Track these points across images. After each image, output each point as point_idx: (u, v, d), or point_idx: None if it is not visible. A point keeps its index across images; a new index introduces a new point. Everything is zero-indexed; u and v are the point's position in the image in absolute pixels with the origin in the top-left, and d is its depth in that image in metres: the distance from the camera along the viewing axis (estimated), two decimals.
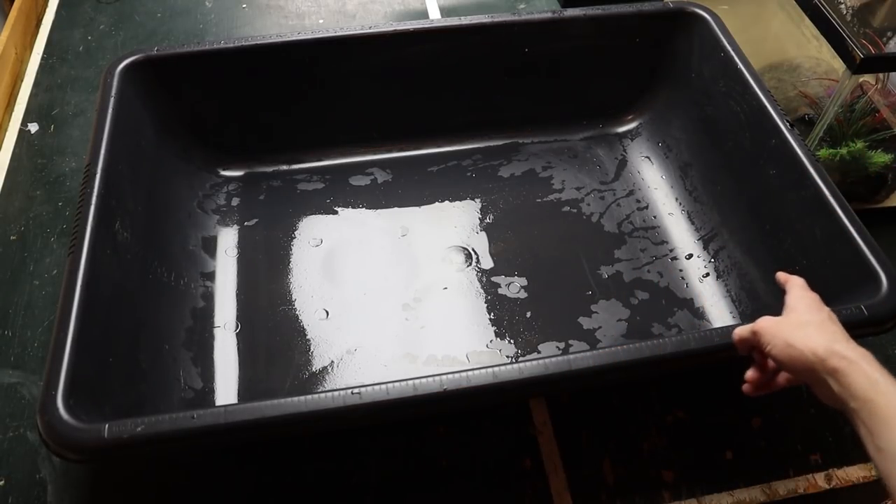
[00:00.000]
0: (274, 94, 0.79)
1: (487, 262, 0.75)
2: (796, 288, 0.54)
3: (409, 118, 0.84)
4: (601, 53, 0.83)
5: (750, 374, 0.53)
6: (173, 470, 0.61)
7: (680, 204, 0.80)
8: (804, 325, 0.50)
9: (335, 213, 0.79)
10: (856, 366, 0.45)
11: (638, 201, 0.81)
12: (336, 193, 0.81)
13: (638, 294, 0.73)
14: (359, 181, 0.82)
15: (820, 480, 0.62)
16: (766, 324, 0.51)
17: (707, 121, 0.79)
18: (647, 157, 0.85)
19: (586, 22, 0.80)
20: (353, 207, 0.80)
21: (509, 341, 0.69)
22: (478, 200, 0.81)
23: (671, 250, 0.77)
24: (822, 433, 0.64)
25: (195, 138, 0.79)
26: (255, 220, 0.78)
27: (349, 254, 0.76)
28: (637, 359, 0.53)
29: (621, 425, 0.64)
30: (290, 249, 0.76)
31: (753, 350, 0.52)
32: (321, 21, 1.04)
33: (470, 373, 0.51)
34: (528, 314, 0.71)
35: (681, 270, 0.75)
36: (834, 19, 0.71)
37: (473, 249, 0.76)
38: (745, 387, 0.54)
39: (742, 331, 0.52)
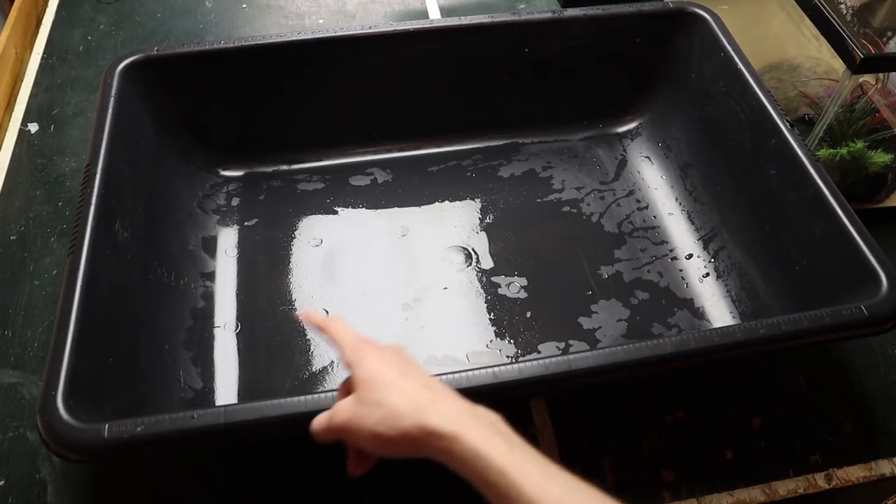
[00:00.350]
0: (274, 94, 0.79)
1: (487, 262, 0.75)
2: (347, 342, 0.46)
3: (409, 118, 0.84)
4: (601, 53, 0.83)
5: (351, 466, 0.46)
6: (173, 470, 0.61)
7: (680, 204, 0.80)
8: (380, 402, 0.41)
9: (335, 213, 0.79)
10: (457, 445, 0.39)
11: (638, 201, 0.81)
12: (336, 193, 0.81)
13: (638, 294, 0.73)
14: (359, 181, 0.82)
15: (820, 480, 0.62)
16: (342, 417, 0.43)
17: (707, 121, 0.79)
18: (647, 157, 0.85)
19: (586, 22, 0.80)
20: (353, 207, 0.80)
21: (509, 341, 0.69)
22: (478, 200, 0.81)
23: (671, 250, 0.77)
24: (822, 433, 0.64)
25: (195, 138, 0.79)
26: (255, 220, 0.78)
27: (349, 254, 0.76)
28: (637, 359, 0.52)
29: (621, 425, 0.64)
30: (290, 249, 0.76)
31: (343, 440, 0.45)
32: (321, 21, 1.04)
33: (470, 373, 0.51)
34: (528, 314, 0.71)
35: (681, 270, 0.75)
36: (834, 19, 0.71)
37: (473, 249, 0.76)
38: (350, 471, 0.46)
39: (319, 429, 0.44)
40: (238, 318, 0.70)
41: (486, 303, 0.72)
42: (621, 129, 0.88)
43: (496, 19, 0.79)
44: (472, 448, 0.39)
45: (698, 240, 0.77)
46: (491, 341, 0.69)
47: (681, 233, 0.78)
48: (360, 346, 0.46)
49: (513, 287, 0.73)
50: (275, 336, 0.68)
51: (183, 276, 0.70)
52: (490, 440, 0.39)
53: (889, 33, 0.73)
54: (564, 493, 0.37)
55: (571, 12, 0.80)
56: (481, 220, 0.79)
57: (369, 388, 0.43)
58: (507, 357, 0.68)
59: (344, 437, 0.44)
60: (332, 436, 0.44)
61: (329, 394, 0.50)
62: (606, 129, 0.88)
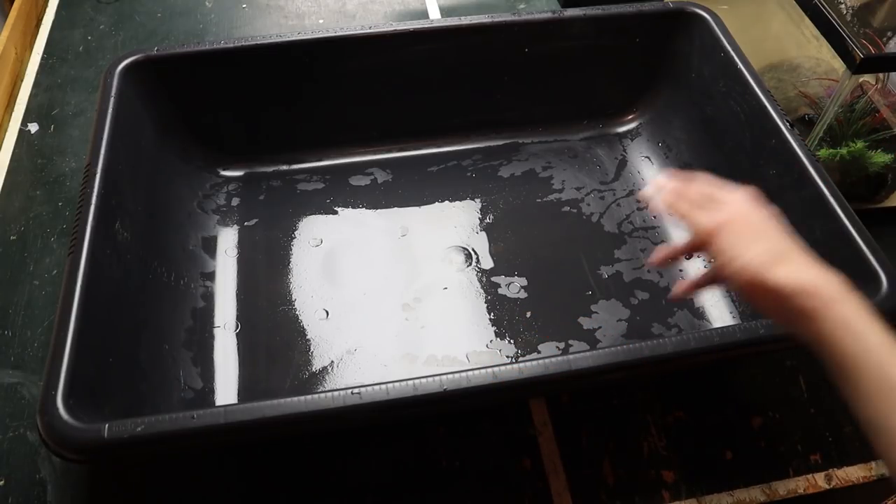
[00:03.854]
0: (274, 93, 0.79)
1: (487, 262, 0.75)
2: (717, 185, 0.46)
3: (409, 118, 0.84)
4: (601, 53, 0.83)
5: (680, 289, 0.48)
6: (173, 470, 0.61)
7: None
8: (769, 242, 0.42)
9: (335, 213, 0.79)
10: (831, 309, 0.37)
11: (638, 201, 0.81)
12: (336, 193, 0.81)
13: (638, 294, 0.73)
14: (359, 181, 0.82)
15: (820, 480, 0.62)
16: (714, 221, 0.43)
17: (707, 121, 0.79)
18: (647, 157, 0.85)
19: (586, 22, 0.80)
20: (353, 207, 0.80)
21: (509, 341, 0.69)
22: (478, 200, 0.81)
23: None
24: (822, 433, 0.64)
25: (195, 138, 0.79)
26: (255, 220, 0.78)
27: (349, 254, 0.76)
28: (637, 359, 0.52)
29: (621, 425, 0.64)
30: (290, 249, 0.76)
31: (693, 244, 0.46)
32: (321, 21, 1.04)
33: (470, 373, 0.51)
34: (528, 314, 0.71)
35: (681, 270, 0.75)
36: (834, 19, 0.71)
37: (473, 249, 0.76)
38: (653, 259, 0.48)
39: (689, 218, 0.45)
40: (238, 318, 0.70)
41: (486, 303, 0.72)
42: (621, 129, 0.88)
43: (496, 19, 0.79)
44: (851, 321, 0.37)
45: None
46: (491, 341, 0.69)
47: (681, 233, 0.78)
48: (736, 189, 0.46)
49: (513, 287, 0.73)
50: (275, 336, 0.68)
51: (183, 276, 0.70)
52: (867, 322, 0.37)
53: (889, 33, 0.73)
54: None
55: (571, 12, 0.80)
56: (481, 220, 0.79)
57: (746, 224, 0.43)
58: (507, 357, 0.68)
59: (709, 248, 0.43)
60: (683, 213, 0.45)
61: (329, 393, 0.50)
62: (606, 129, 0.88)
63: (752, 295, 0.42)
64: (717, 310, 0.71)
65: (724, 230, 0.44)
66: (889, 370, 0.35)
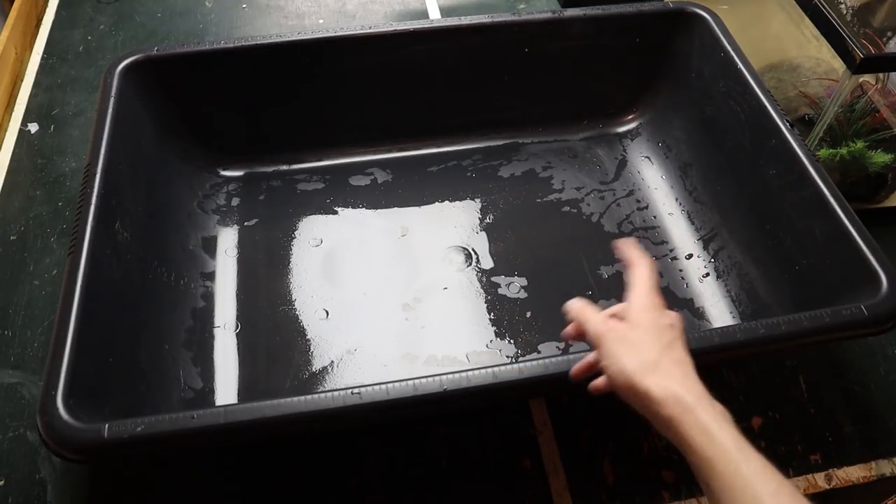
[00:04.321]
0: (274, 93, 0.79)
1: (487, 262, 0.75)
2: (641, 286, 0.49)
3: (409, 118, 0.84)
4: (601, 53, 0.83)
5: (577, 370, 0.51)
6: (173, 470, 0.61)
7: (680, 204, 0.80)
8: (645, 353, 0.45)
9: (335, 213, 0.79)
10: (691, 415, 0.42)
11: (638, 201, 0.81)
12: (336, 193, 0.81)
13: None
14: (359, 181, 0.82)
15: (820, 480, 0.62)
16: (608, 335, 0.47)
17: (707, 121, 0.79)
18: (647, 157, 0.85)
19: (586, 22, 0.80)
20: (353, 207, 0.80)
21: (509, 341, 0.69)
22: (478, 200, 0.81)
23: (671, 250, 0.77)
24: (822, 433, 0.64)
25: (195, 138, 0.79)
26: (255, 220, 0.78)
27: (349, 254, 0.76)
28: None
29: (621, 425, 0.64)
30: (290, 249, 0.76)
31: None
32: (321, 21, 1.04)
33: (470, 373, 0.51)
34: (528, 314, 0.71)
35: (681, 270, 0.75)
36: (834, 19, 0.71)
37: (473, 249, 0.76)
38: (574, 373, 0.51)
39: (578, 307, 0.50)
40: (238, 318, 0.70)
41: (486, 303, 0.72)
42: (621, 129, 0.88)
43: (496, 19, 0.79)
44: (705, 423, 0.41)
45: (698, 240, 0.77)
46: (491, 341, 0.69)
47: (681, 233, 0.78)
48: (653, 297, 0.49)
49: (513, 287, 0.73)
50: (275, 336, 0.68)
51: (183, 276, 0.70)
52: (722, 427, 0.42)
53: (889, 33, 0.73)
54: (779, 488, 0.40)
55: (571, 12, 0.80)
56: (481, 220, 0.79)
57: (639, 334, 0.46)
58: (507, 357, 0.68)
59: (595, 348, 0.48)
60: (579, 330, 0.50)
61: (329, 393, 0.50)
62: (606, 129, 0.88)
63: (626, 398, 0.46)
64: (717, 310, 0.71)
65: (608, 336, 0.47)
66: (737, 467, 0.40)
